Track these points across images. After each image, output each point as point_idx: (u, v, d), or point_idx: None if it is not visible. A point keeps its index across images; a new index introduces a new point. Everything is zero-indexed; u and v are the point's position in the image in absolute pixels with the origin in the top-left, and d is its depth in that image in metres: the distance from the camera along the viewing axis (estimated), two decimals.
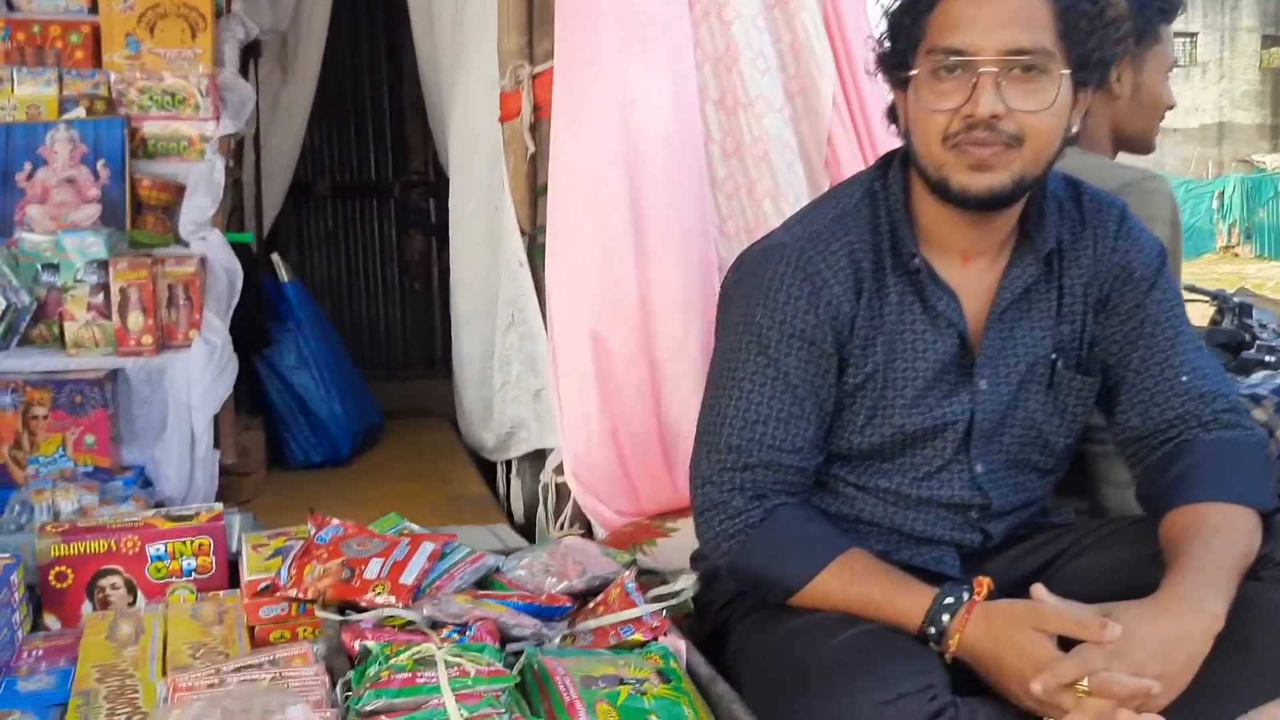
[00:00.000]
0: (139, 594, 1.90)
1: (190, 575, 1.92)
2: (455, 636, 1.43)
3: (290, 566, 1.67)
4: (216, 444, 3.13)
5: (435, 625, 1.49)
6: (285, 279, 4.10)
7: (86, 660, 1.65)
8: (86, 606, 1.88)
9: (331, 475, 3.87)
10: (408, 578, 1.61)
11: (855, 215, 1.57)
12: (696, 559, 1.81)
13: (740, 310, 1.57)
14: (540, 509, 2.64)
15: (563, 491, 2.57)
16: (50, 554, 1.86)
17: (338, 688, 1.33)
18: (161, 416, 3.07)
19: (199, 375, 3.07)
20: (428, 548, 1.67)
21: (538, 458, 3.00)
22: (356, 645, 1.44)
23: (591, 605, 1.63)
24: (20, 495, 2.70)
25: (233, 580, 1.95)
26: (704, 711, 1.32)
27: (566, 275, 2.25)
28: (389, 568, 1.62)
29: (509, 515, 3.24)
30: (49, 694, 1.58)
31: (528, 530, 2.87)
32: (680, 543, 2.17)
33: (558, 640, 1.49)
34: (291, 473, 3.88)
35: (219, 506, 2.01)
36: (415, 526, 1.88)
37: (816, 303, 1.51)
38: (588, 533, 2.54)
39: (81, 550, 1.87)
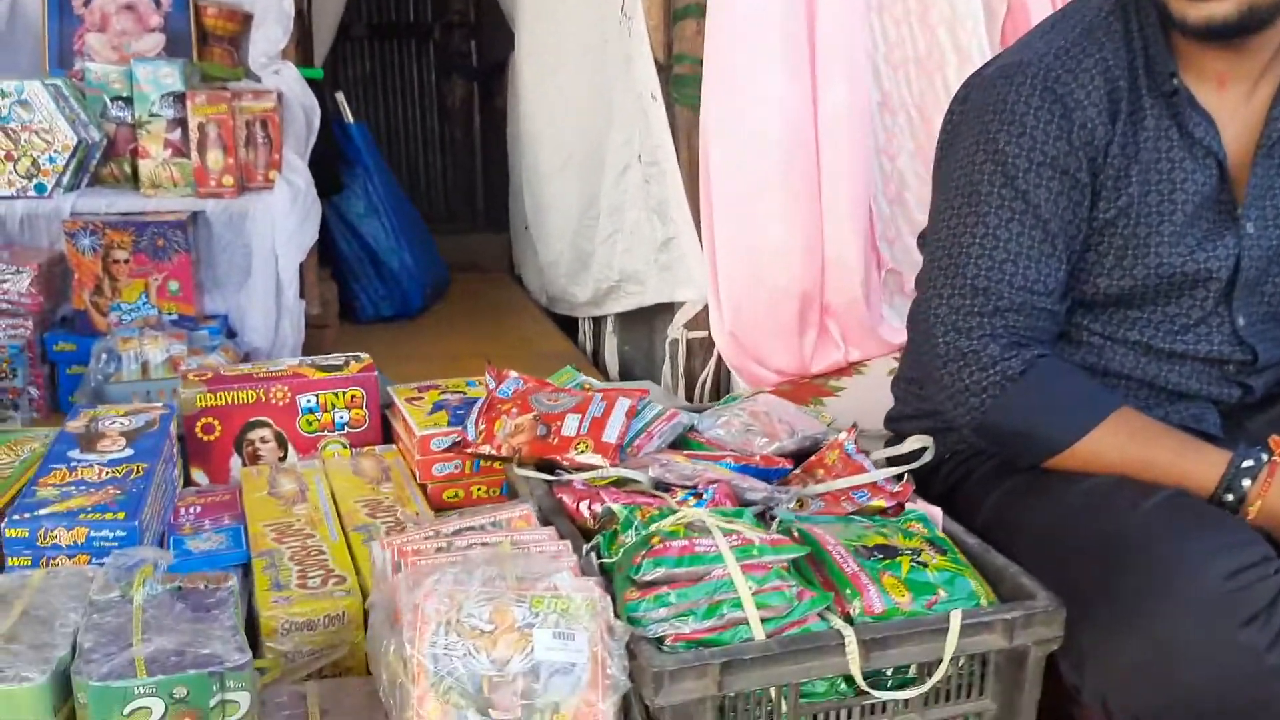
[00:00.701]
0: (289, 448, 1.77)
1: (343, 429, 1.79)
2: (690, 500, 1.30)
3: (477, 421, 1.53)
4: (301, 294, 2.97)
5: (660, 487, 1.36)
6: (350, 120, 3.87)
7: (256, 518, 1.53)
8: (235, 461, 1.75)
9: (405, 330, 3.72)
10: (610, 435, 1.47)
11: (1106, 29, 1.39)
12: (897, 419, 1.68)
13: (977, 139, 1.40)
14: (667, 366, 2.50)
15: (694, 347, 2.43)
16: (196, 404, 1.72)
17: (582, 553, 1.20)
18: (244, 263, 2.90)
19: (283, 219, 2.89)
20: (624, 404, 1.53)
21: (637, 313, 2.85)
22: (583, 507, 1.31)
23: (804, 468, 1.50)
24: (105, 344, 2.58)
25: (385, 435, 1.82)
26: (985, 584, 1.20)
27: (728, 106, 2.03)
28: (588, 424, 1.48)
29: (602, 373, 3.12)
30: (225, 555, 1.45)
31: None
32: (849, 402, 2.04)
33: (790, 505, 1.35)
34: (362, 326, 3.73)
35: (366, 357, 1.86)
36: (594, 381, 1.74)
37: (1069, 126, 1.35)
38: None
39: (229, 400, 1.73)
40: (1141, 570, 1.15)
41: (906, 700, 1.13)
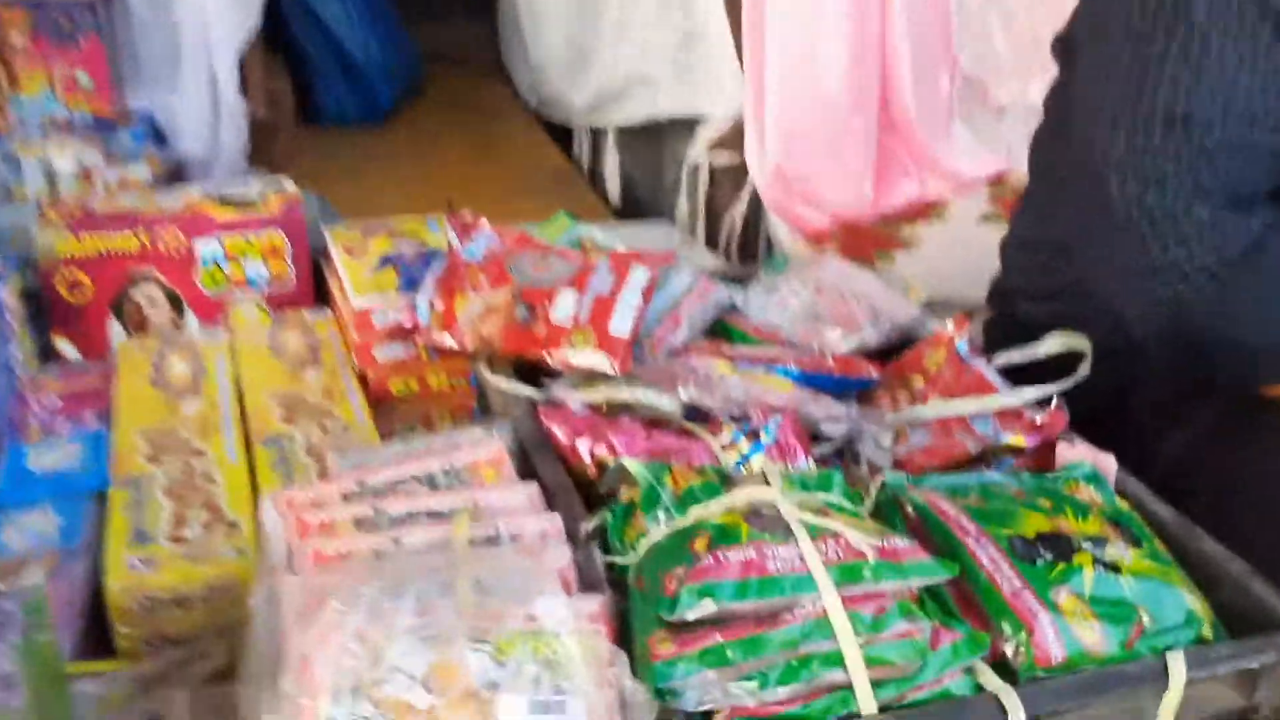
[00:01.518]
0: (186, 312, 1.32)
1: (258, 287, 1.33)
2: (743, 442, 0.87)
3: (434, 297, 1.08)
4: (243, 91, 2.47)
5: (694, 417, 0.92)
6: None
7: (129, 421, 1.10)
8: (114, 329, 1.30)
9: (373, 136, 3.23)
10: (620, 326, 1.02)
11: None
12: (1006, 294, 1.23)
13: None
14: (683, 198, 2.03)
15: (720, 177, 1.96)
16: (57, 252, 1.26)
17: (580, 537, 0.78)
18: (172, 52, 2.43)
19: None
20: (640, 276, 1.07)
21: (645, 127, 2.37)
22: (581, 446, 0.87)
23: (894, 370, 1.07)
24: (3, 148, 2.14)
25: (318, 294, 1.38)
26: (1199, 594, 0.78)
27: None
28: (589, 306, 1.03)
29: (602, 195, 2.66)
30: (76, 479, 1.04)
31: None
32: (926, 259, 1.59)
33: (887, 443, 0.93)
34: (322, 130, 3.23)
35: (292, 187, 1.38)
36: (597, 233, 1.28)
37: None
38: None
39: (103, 249, 1.27)
40: None
41: None
